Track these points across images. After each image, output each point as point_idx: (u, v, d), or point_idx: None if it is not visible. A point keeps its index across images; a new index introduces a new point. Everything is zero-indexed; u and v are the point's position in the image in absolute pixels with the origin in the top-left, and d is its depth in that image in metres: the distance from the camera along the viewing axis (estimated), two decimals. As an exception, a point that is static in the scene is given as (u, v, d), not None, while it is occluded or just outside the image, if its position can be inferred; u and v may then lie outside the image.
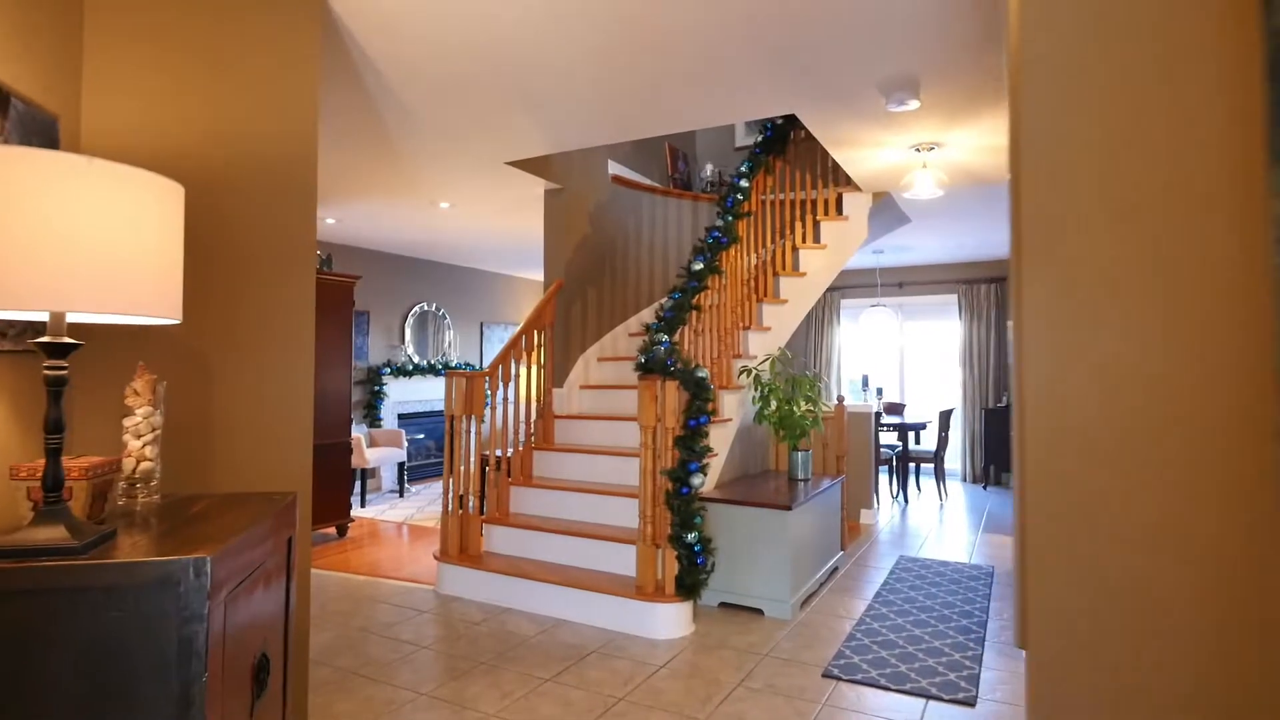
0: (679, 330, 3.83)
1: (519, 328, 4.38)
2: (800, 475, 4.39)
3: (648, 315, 5.59)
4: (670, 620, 3.34)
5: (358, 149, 4.10)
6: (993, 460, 7.48)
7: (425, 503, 6.70)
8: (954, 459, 8.00)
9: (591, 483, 4.26)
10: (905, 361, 8.63)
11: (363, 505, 6.41)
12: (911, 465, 6.98)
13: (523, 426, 4.88)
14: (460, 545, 4.06)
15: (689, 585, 3.34)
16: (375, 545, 5.16)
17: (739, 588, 3.73)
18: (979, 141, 3.79)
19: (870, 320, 7.28)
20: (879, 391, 7.36)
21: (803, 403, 4.44)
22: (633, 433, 4.44)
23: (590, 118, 3.56)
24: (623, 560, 3.70)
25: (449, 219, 5.88)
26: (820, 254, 4.93)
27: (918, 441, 7.28)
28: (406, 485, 7.49)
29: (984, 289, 7.98)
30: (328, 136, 3.90)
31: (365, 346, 7.38)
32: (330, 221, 5.99)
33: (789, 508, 3.61)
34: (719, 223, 4.37)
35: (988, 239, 6.74)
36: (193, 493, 1.81)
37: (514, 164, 4.34)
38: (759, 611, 3.69)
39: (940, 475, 6.94)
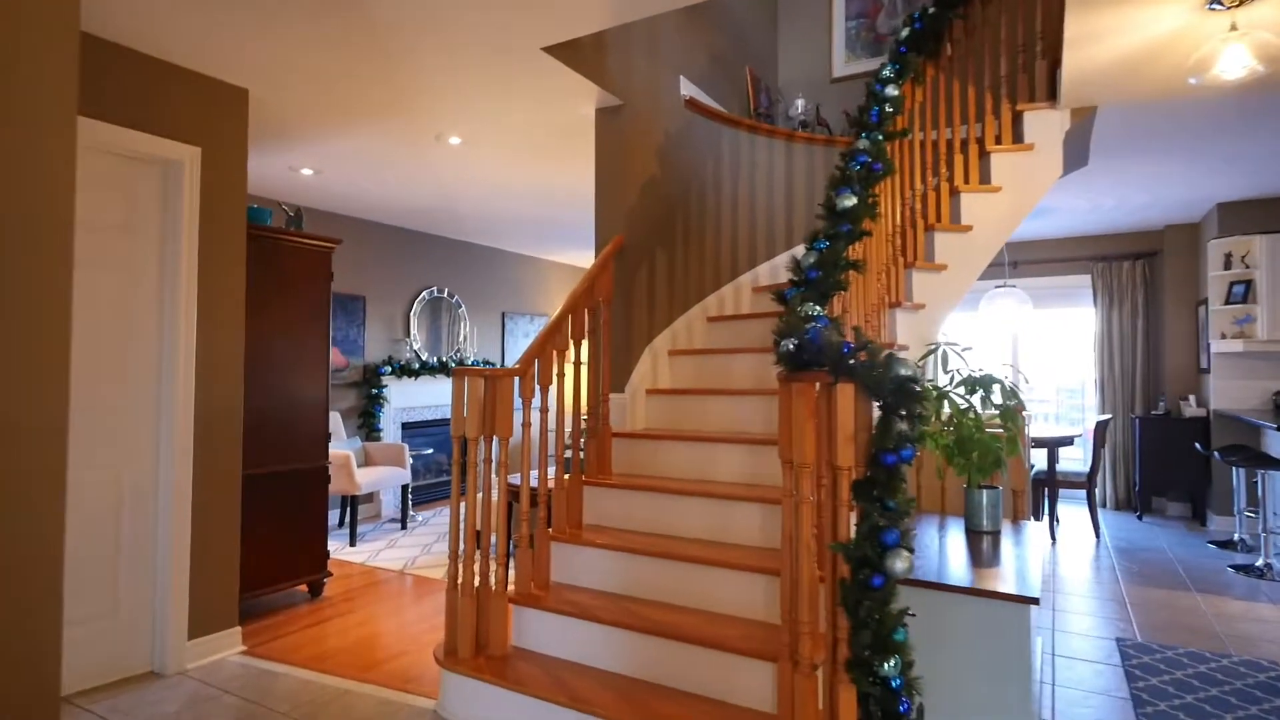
0: (829, 302, 2.34)
1: (560, 309, 2.91)
2: (988, 526, 2.88)
3: (730, 293, 4.10)
4: (850, 815, 1.86)
5: (322, 37, 2.67)
6: (1149, 483, 5.89)
7: (433, 537, 5.26)
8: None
9: (674, 536, 2.78)
10: (1020, 359, 7.05)
11: (352, 544, 4.98)
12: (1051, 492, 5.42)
13: (567, 449, 3.44)
14: (475, 641, 2.60)
15: (886, 754, 1.84)
16: (363, 608, 3.73)
17: (937, 728, 2.24)
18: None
19: (992, 308, 5.71)
20: (1006, 396, 5.78)
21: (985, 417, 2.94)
22: (731, 460, 2.96)
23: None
24: (745, 680, 2.22)
25: (461, 165, 4.44)
26: (992, 199, 3.42)
27: (1057, 461, 5.71)
28: (411, 512, 6.06)
29: (1126, 267, 6.38)
30: (284, 27, 2.47)
31: (360, 339, 5.96)
32: (307, 173, 4.56)
33: (1035, 600, 2.10)
34: (861, 144, 2.88)
35: (1190, 195, 5.05)
36: None
37: (555, 51, 2.86)
38: (976, 772, 2.19)
39: (1093, 504, 5.38)
